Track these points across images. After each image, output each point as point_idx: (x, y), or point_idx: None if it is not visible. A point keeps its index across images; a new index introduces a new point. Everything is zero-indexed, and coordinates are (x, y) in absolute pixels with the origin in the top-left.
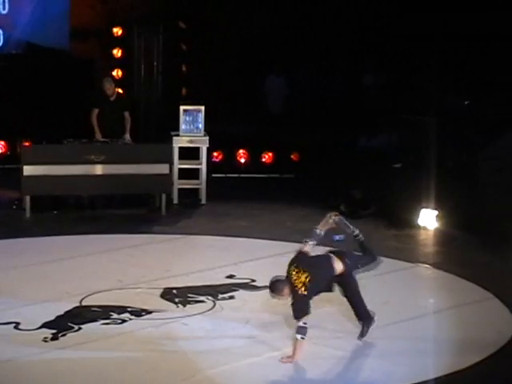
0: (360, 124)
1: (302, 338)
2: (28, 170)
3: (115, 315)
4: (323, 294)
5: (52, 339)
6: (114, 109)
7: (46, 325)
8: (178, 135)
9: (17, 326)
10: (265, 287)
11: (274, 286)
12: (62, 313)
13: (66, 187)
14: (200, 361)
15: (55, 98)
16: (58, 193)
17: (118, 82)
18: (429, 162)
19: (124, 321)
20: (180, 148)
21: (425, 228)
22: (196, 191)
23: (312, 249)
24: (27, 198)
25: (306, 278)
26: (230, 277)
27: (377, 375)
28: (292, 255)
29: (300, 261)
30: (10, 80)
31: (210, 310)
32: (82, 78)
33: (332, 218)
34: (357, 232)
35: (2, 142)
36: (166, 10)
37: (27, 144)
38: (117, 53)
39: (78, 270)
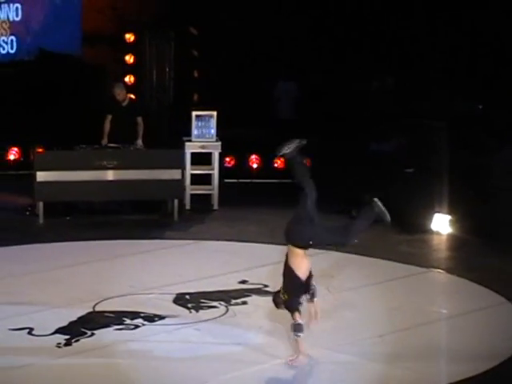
0: (371, 129)
1: (298, 336)
2: (41, 176)
3: (128, 321)
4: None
5: (65, 345)
6: (125, 114)
7: (59, 330)
8: (190, 140)
9: (30, 331)
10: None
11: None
12: (75, 318)
13: (78, 193)
14: (213, 366)
15: (67, 104)
16: (70, 199)
17: (129, 88)
18: (441, 167)
19: (137, 326)
20: (192, 153)
21: (438, 233)
22: (208, 196)
23: None
24: (40, 204)
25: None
26: (243, 282)
27: (388, 380)
28: None
29: None
30: (22, 86)
31: (223, 315)
32: (94, 84)
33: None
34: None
35: (15, 149)
36: (177, 16)
37: (40, 150)
38: (129, 59)
39: (90, 275)
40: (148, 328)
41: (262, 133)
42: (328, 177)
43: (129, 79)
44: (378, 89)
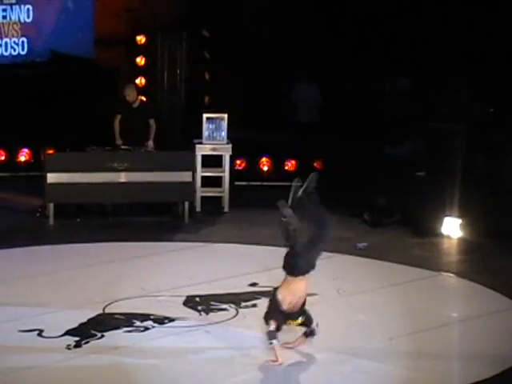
0: (386, 132)
1: (271, 344)
2: (52, 177)
3: (138, 323)
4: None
5: (75, 346)
6: (136, 116)
7: (69, 332)
8: (200, 143)
9: (40, 333)
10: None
11: None
12: (85, 320)
13: (89, 195)
14: (222, 369)
15: (79, 105)
16: (81, 200)
17: (141, 90)
18: (453, 170)
19: (147, 328)
20: (203, 156)
21: (448, 236)
22: (219, 199)
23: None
24: (51, 206)
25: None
26: (253, 285)
27: (398, 383)
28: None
29: None
30: (34, 88)
31: (233, 318)
32: (106, 85)
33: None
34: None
35: (26, 150)
36: (189, 18)
37: (51, 151)
38: (140, 61)
39: (101, 277)
40: (158, 330)
41: (273, 135)
42: (341, 180)
43: (140, 81)
44: (393, 91)
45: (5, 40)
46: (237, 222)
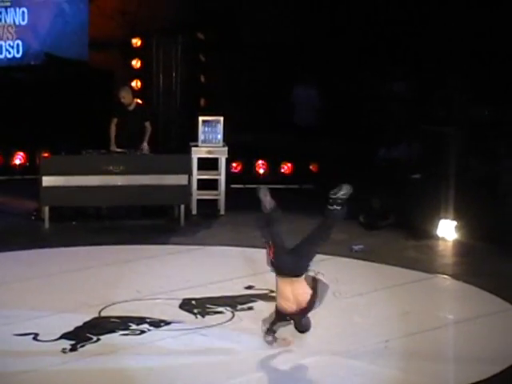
0: (381, 134)
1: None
2: (47, 180)
3: (134, 326)
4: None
5: (71, 350)
6: (131, 118)
7: (64, 336)
8: (196, 146)
9: (35, 336)
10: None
11: None
12: (80, 324)
13: (84, 198)
14: (219, 372)
15: (74, 108)
16: (76, 203)
17: (137, 93)
18: (448, 173)
19: (143, 332)
20: (199, 159)
21: (443, 239)
22: (215, 202)
23: None
24: (46, 209)
25: None
26: (249, 288)
27: None
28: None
29: None
30: (29, 91)
31: (229, 320)
32: (101, 88)
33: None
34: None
35: (21, 153)
36: (184, 21)
37: (46, 155)
38: (136, 64)
39: (96, 280)
40: (154, 333)
41: (269, 138)
42: (336, 182)
43: (136, 84)
44: (389, 94)
45: (0, 43)
46: (233, 225)
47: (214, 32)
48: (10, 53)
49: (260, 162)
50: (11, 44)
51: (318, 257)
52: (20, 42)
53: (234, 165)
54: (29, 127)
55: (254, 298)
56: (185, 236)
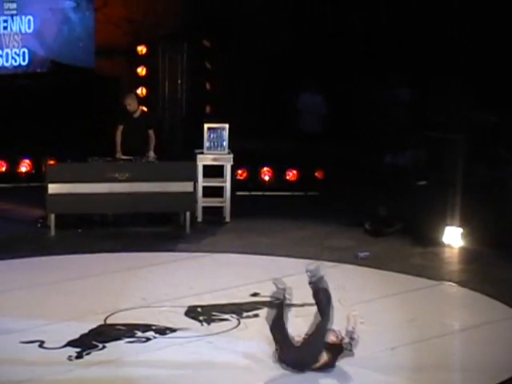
0: (387, 141)
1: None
2: (53, 188)
3: (140, 333)
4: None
5: (76, 357)
6: (137, 126)
7: (70, 343)
8: (202, 153)
9: (41, 344)
10: (289, 305)
11: None
12: (86, 331)
13: (90, 205)
14: (224, 379)
15: (80, 116)
16: (82, 211)
17: (142, 100)
18: (454, 179)
19: (148, 339)
20: (204, 166)
21: (450, 246)
22: (220, 209)
23: None
24: (52, 216)
25: None
26: (255, 295)
27: None
28: None
29: None
30: (35, 98)
31: (235, 328)
32: (107, 96)
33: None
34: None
35: (27, 161)
36: (190, 29)
37: (52, 162)
38: (141, 71)
39: (102, 287)
40: (159, 341)
41: (274, 145)
42: (342, 189)
43: (141, 91)
44: (394, 100)
45: (6, 51)
46: (238, 232)
47: (220, 39)
48: (15, 61)
49: (265, 168)
50: (17, 52)
51: (324, 264)
52: (26, 50)
53: (240, 172)
54: (35, 134)
55: (260, 305)
56: (190, 243)
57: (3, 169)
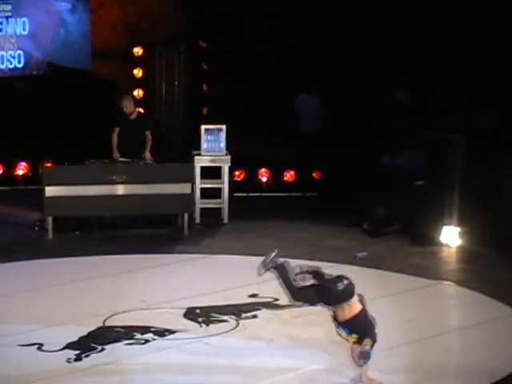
0: (385, 142)
1: (365, 363)
2: (50, 190)
3: (138, 335)
4: None
5: (75, 360)
6: (133, 128)
7: (69, 346)
8: (199, 154)
9: (40, 347)
10: (288, 306)
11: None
12: (85, 333)
13: (88, 208)
14: (224, 381)
15: (77, 118)
16: (80, 213)
17: (139, 102)
18: (452, 180)
19: (147, 341)
20: (202, 167)
21: (447, 245)
22: (218, 210)
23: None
24: (49, 219)
25: None
26: (253, 296)
27: None
28: None
29: None
30: (31, 101)
31: (234, 329)
32: (104, 98)
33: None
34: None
35: (24, 163)
36: (186, 30)
37: (49, 165)
38: (138, 73)
39: (100, 290)
40: (158, 343)
41: (272, 146)
42: (340, 190)
43: (138, 93)
44: (392, 102)
45: (1, 53)
46: (236, 234)
47: (217, 41)
48: (11, 63)
49: (263, 170)
50: (13, 54)
51: (322, 264)
52: (21, 53)
53: (237, 173)
54: (31, 137)
55: (258, 307)
56: (188, 245)
57: (0, 172)
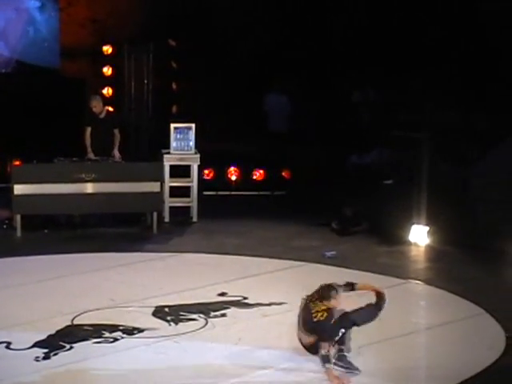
0: (352, 141)
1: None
2: (18, 188)
3: (107, 334)
4: None
5: (44, 358)
6: (103, 126)
7: (37, 344)
8: (168, 153)
9: (8, 345)
10: (257, 305)
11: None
12: (53, 332)
13: (56, 206)
14: (193, 379)
15: (46, 116)
16: (48, 212)
17: (108, 101)
18: (420, 178)
19: (116, 339)
20: (171, 166)
21: (416, 244)
22: (187, 209)
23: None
24: (18, 217)
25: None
26: (222, 294)
27: None
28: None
29: None
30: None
31: (202, 327)
32: (73, 96)
33: None
34: None
35: None
36: (155, 28)
37: (17, 163)
38: (107, 71)
39: (69, 288)
40: (127, 341)
41: (241, 145)
42: (309, 189)
43: (107, 91)
44: (360, 100)
45: None
46: (205, 232)
47: (186, 39)
48: None
49: (232, 168)
50: None
51: (290, 263)
52: None
53: (207, 172)
54: (0, 135)
55: (227, 305)
56: (158, 243)
57: None
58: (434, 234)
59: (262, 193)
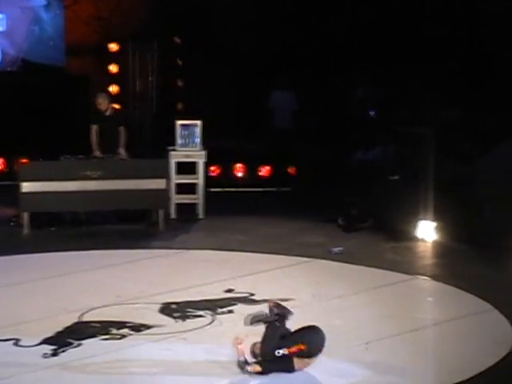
0: (357, 137)
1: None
2: (25, 186)
3: (114, 331)
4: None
5: (52, 355)
6: (108, 124)
7: (45, 341)
8: (174, 150)
9: (16, 342)
10: (264, 301)
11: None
12: (61, 329)
13: (63, 203)
14: (200, 375)
15: (52, 114)
16: (55, 209)
17: (113, 98)
18: (426, 174)
19: (123, 336)
20: (177, 163)
21: (423, 240)
22: (193, 206)
23: None
24: (25, 215)
25: None
26: (229, 291)
27: None
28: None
29: None
30: (6, 97)
31: (209, 324)
32: (79, 94)
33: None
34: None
35: (0, 159)
36: (160, 26)
37: (24, 161)
38: (112, 69)
39: (76, 286)
40: (134, 338)
41: (247, 142)
42: (315, 185)
43: (112, 89)
44: (364, 97)
45: None
46: (212, 229)
47: (191, 36)
48: None
49: (238, 165)
50: None
51: (296, 259)
52: None
53: (213, 168)
54: (7, 133)
55: (234, 302)
56: (164, 240)
57: None
58: (441, 229)
59: (268, 189)
